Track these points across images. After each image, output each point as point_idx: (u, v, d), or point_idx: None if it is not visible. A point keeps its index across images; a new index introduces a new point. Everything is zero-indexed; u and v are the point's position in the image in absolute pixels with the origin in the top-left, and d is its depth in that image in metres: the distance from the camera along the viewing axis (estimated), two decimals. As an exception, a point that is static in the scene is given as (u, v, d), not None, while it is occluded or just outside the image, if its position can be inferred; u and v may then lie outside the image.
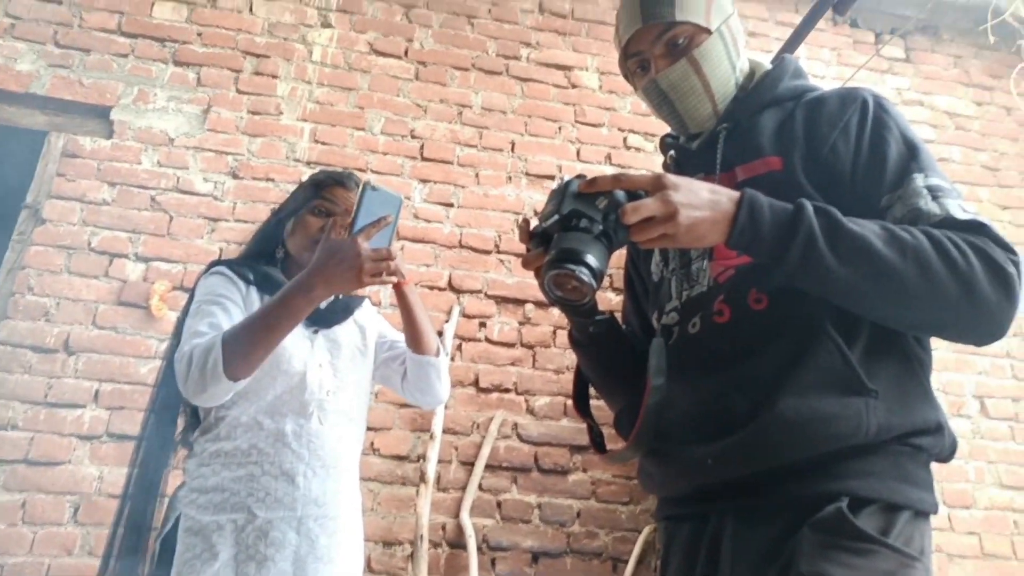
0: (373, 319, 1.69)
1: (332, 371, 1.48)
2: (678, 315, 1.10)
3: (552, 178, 3.31)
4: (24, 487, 2.44)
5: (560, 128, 3.41)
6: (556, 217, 0.93)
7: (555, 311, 3.11)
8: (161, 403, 1.50)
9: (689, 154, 1.19)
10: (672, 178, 0.91)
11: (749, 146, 1.10)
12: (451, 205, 3.18)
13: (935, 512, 0.95)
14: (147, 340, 2.72)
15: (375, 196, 1.28)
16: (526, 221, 0.99)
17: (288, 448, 1.38)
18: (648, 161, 3.41)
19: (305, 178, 3.01)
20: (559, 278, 0.91)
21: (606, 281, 3.13)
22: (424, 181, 3.19)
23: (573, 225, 0.92)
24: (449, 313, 2.99)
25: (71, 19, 3.10)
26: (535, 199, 3.27)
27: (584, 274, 0.89)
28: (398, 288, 1.51)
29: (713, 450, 0.98)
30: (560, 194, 0.95)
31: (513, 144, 3.34)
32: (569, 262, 0.89)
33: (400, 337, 1.64)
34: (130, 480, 1.48)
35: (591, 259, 0.89)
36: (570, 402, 2.97)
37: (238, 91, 3.15)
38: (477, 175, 3.26)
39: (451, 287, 3.07)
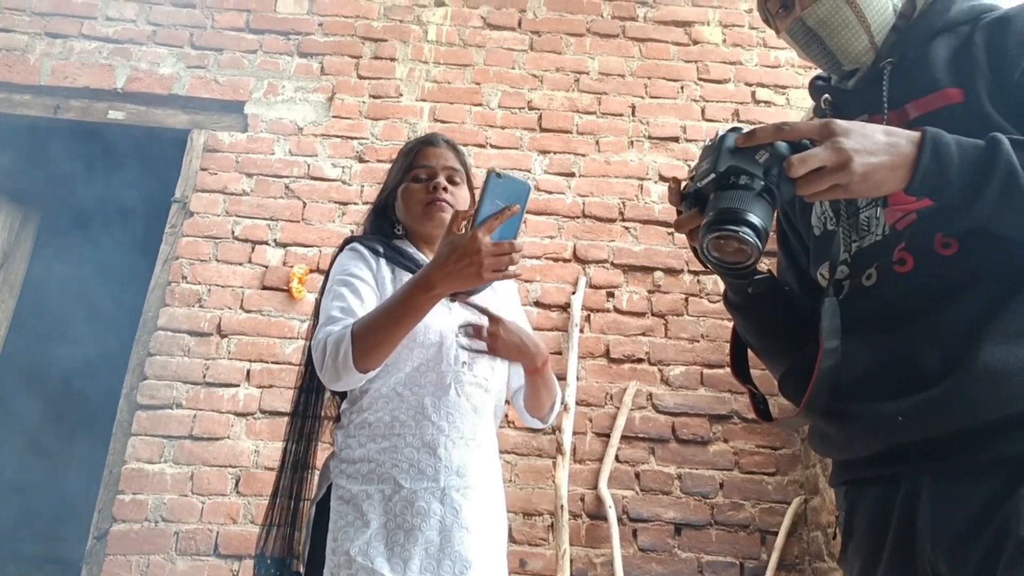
0: (511, 295, 1.68)
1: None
2: (848, 268, 1.02)
3: (676, 140, 3.19)
4: (191, 461, 2.62)
5: (682, 87, 3.27)
6: (712, 175, 0.87)
7: (686, 278, 3.01)
8: (308, 380, 1.55)
9: (847, 95, 1.10)
10: (842, 123, 0.84)
11: (921, 79, 1.00)
12: (572, 175, 3.13)
13: None
14: (289, 321, 2.85)
15: (500, 184, 1.23)
16: (676, 180, 0.94)
17: (428, 420, 1.40)
18: (780, 115, 3.21)
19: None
20: (720, 241, 0.86)
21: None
22: (544, 152, 3.15)
23: (732, 183, 0.86)
24: (575, 284, 2.95)
25: (204, 21, 3.27)
26: (659, 163, 3.16)
27: (748, 235, 0.83)
28: (531, 373, 1.50)
29: (904, 407, 0.89)
30: (715, 150, 0.89)
31: (633, 108, 3.24)
32: (730, 223, 0.84)
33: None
34: (286, 454, 1.55)
35: (754, 218, 0.83)
36: (707, 371, 2.87)
37: (359, 76, 3.23)
38: (597, 142, 3.18)
39: (576, 258, 3.03)
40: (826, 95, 1.13)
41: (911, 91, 1.00)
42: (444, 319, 1.46)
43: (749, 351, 1.14)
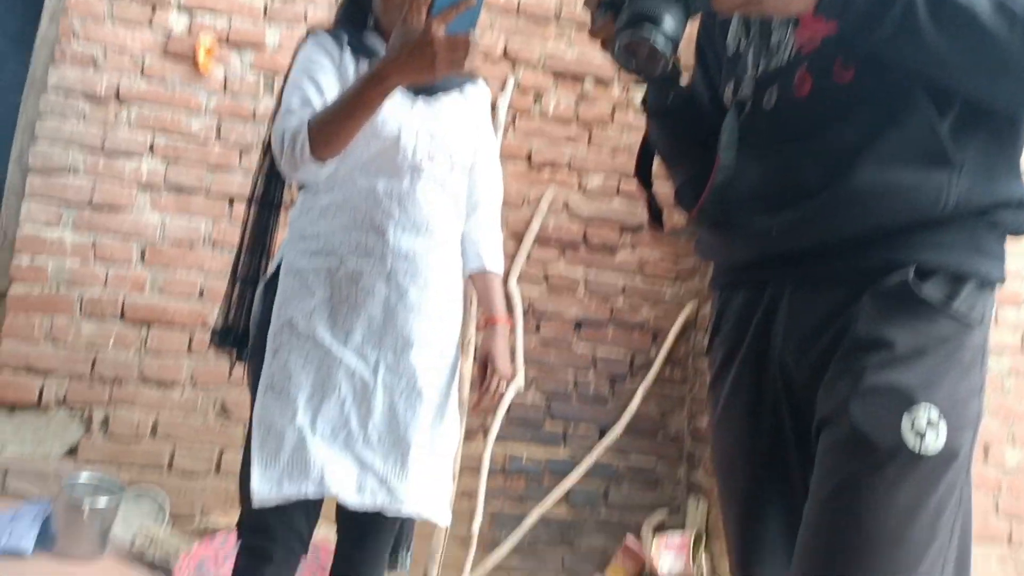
0: (483, 106, 1.64)
1: (429, 137, 1.46)
2: (753, 89, 1.03)
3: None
4: (92, 229, 2.54)
5: None
6: None
7: (615, 89, 2.98)
8: (268, 167, 1.56)
9: None
10: None
11: None
12: (509, -36, 2.93)
13: (1002, 282, 0.94)
14: (196, 94, 2.68)
15: None
16: None
17: (379, 204, 1.41)
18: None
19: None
20: (632, 44, 0.86)
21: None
22: (480, -66, 2.92)
23: None
24: (503, 84, 2.87)
25: None
26: (600, -40, 2.99)
27: (659, 37, 0.84)
28: (488, 324, 1.58)
29: (779, 220, 0.95)
30: None
31: None
32: (642, 24, 0.84)
33: (482, 174, 1.63)
34: (243, 238, 1.58)
35: (667, 22, 0.84)
36: (624, 182, 2.93)
37: None
38: (538, -69, 2.97)
39: (506, 56, 2.92)
40: None
41: None
42: (404, 113, 1.44)
43: (655, 159, 1.17)
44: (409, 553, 2.32)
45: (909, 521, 0.83)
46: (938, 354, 0.86)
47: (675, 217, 2.49)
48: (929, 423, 0.82)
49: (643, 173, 1.15)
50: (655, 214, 1.14)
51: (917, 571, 0.83)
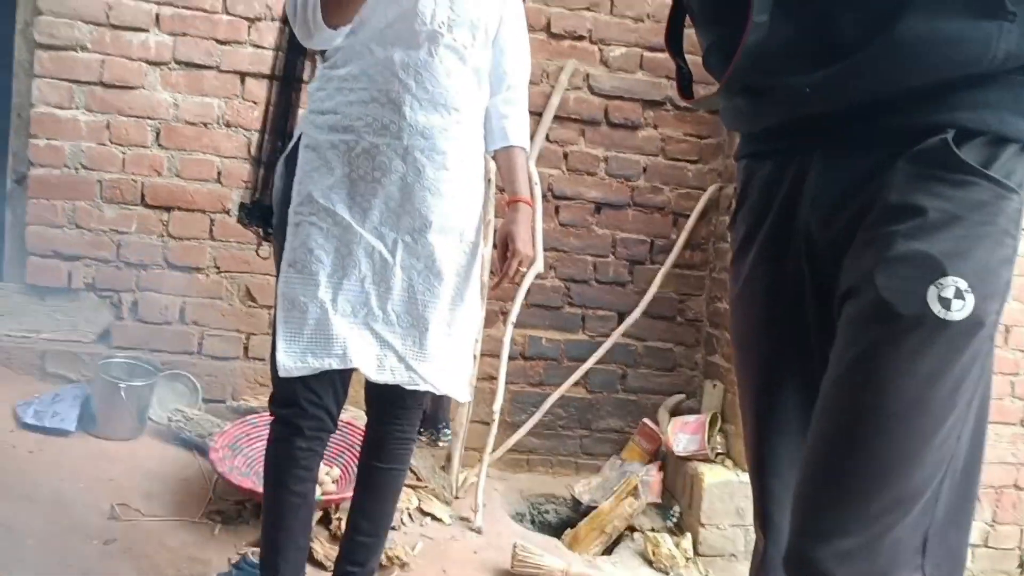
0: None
1: (449, 3, 1.39)
2: None
3: None
4: (105, 109, 2.49)
5: None
6: None
7: (641, -51, 2.76)
8: (288, 39, 1.53)
9: None
10: None
11: None
12: None
13: None
14: (200, -39, 2.53)
15: None
16: None
17: (395, 77, 1.37)
18: None
19: None
20: None
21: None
22: None
23: None
24: (523, -55, 2.67)
25: None
26: None
27: None
28: (511, 204, 1.56)
29: (813, 79, 0.89)
30: None
31: None
32: None
33: (507, 47, 1.57)
34: (266, 118, 1.58)
35: None
36: (648, 54, 2.79)
37: None
38: None
39: (526, -86, 2.70)
40: None
41: None
42: None
43: (686, 25, 1.09)
44: (448, 429, 2.45)
45: (930, 389, 0.82)
46: (972, 221, 0.83)
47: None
48: (956, 293, 0.80)
49: (674, 40, 1.09)
50: (685, 83, 1.08)
51: (934, 439, 0.83)
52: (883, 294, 0.82)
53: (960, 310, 0.80)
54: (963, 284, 0.80)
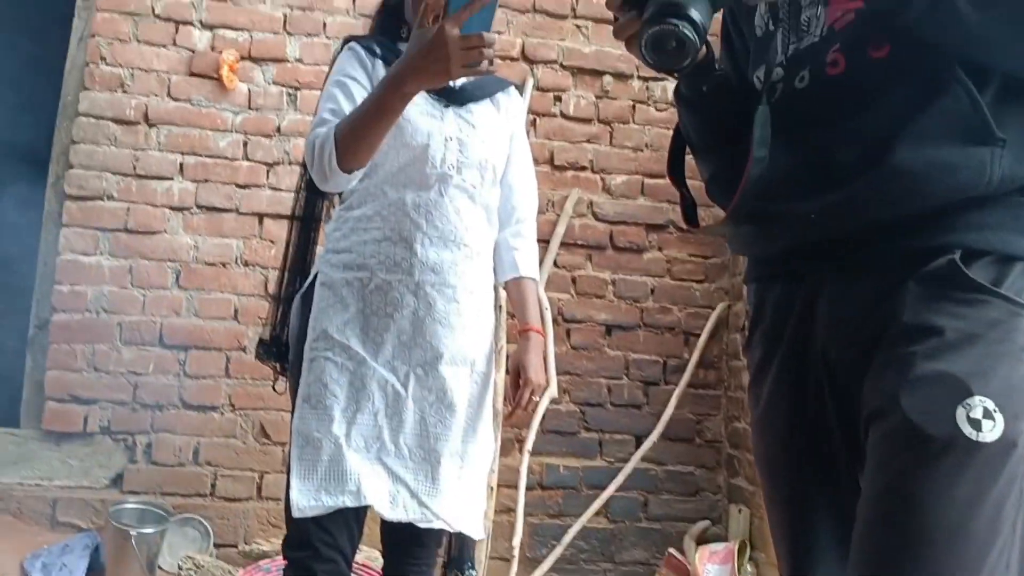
0: (516, 115, 1.64)
1: (458, 147, 1.47)
2: (783, 70, 1.00)
3: (640, -71, 2.94)
4: (128, 254, 2.59)
5: None
6: None
7: (635, 84, 2.93)
8: (307, 181, 1.59)
9: None
10: None
11: None
12: (526, -36, 2.89)
13: None
14: (222, 112, 2.70)
15: None
16: None
17: (407, 216, 1.43)
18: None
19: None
20: (658, 36, 0.84)
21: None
22: (497, -65, 2.88)
23: None
24: (523, 85, 2.85)
25: None
26: (620, -45, 2.93)
27: (687, 29, 0.82)
28: (523, 333, 1.58)
29: (817, 204, 0.92)
30: None
31: None
32: (670, 16, 0.82)
33: (516, 184, 1.62)
34: (287, 256, 1.63)
35: (695, 13, 0.82)
36: (648, 180, 2.90)
37: None
38: (555, -73, 2.91)
39: (524, 57, 2.90)
40: None
41: None
42: (433, 122, 1.45)
43: (687, 155, 1.14)
44: (474, 569, 2.37)
45: (970, 514, 0.79)
46: (989, 339, 0.82)
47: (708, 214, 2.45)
48: (985, 414, 0.79)
49: (676, 171, 1.13)
50: (689, 212, 1.11)
51: (982, 568, 0.79)
52: (910, 416, 0.81)
53: (991, 431, 0.79)
54: (991, 404, 0.79)
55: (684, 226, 1.14)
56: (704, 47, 0.85)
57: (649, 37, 0.84)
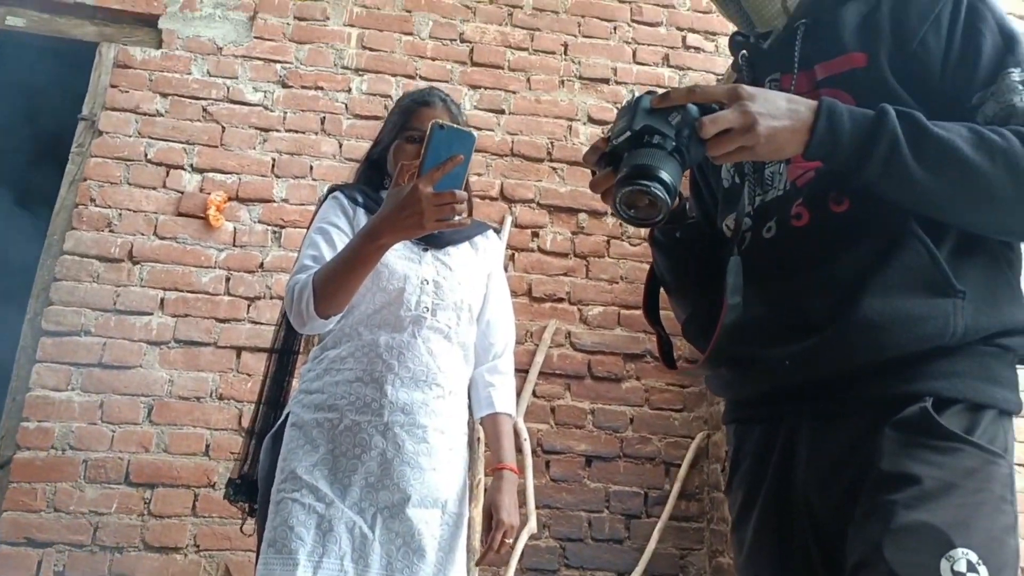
0: (494, 256, 1.70)
1: (435, 289, 1.51)
2: (751, 220, 1.07)
3: (607, 82, 3.19)
4: (100, 389, 2.56)
5: (615, 28, 3.26)
6: (628, 133, 0.90)
7: (609, 221, 3.07)
8: (286, 320, 1.63)
9: (762, 53, 1.14)
10: (748, 88, 0.88)
11: (830, 42, 1.04)
12: (502, 112, 3.10)
13: (1019, 412, 0.93)
14: (207, 250, 2.77)
15: (444, 135, 1.25)
16: (603, 141, 0.96)
17: (379, 358, 1.45)
18: (708, 62, 3.25)
19: (354, 87, 2.96)
20: (631, 196, 0.89)
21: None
22: (474, 87, 3.11)
23: (645, 141, 0.89)
24: (502, 223, 2.97)
25: (113, -77, 3.03)
26: (588, 104, 3.16)
27: (658, 189, 0.86)
28: (496, 471, 1.59)
29: (790, 352, 0.96)
30: (631, 111, 0.92)
31: (566, 46, 3.21)
32: (642, 178, 0.87)
33: (493, 321, 1.67)
34: (263, 390, 1.64)
35: (665, 175, 0.87)
36: (624, 311, 2.96)
37: (283, -4, 3.08)
38: (528, 80, 3.16)
39: (503, 196, 3.03)
40: (744, 51, 1.17)
41: (821, 53, 1.04)
42: (411, 265, 1.51)
43: (661, 296, 1.18)
44: None
45: None
46: (967, 489, 0.83)
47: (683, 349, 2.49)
48: (969, 567, 0.79)
49: (652, 311, 1.16)
50: (666, 352, 1.14)
51: None
52: (894, 568, 0.81)
53: None
54: (973, 556, 0.80)
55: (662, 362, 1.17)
56: (676, 201, 0.90)
57: (622, 196, 0.89)
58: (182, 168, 2.85)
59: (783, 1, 1.07)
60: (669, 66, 3.24)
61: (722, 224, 1.13)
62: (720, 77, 3.18)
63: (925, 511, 0.82)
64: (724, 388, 1.12)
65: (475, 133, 1.30)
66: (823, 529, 0.94)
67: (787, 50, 1.07)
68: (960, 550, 0.80)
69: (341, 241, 1.48)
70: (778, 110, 0.88)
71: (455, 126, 1.28)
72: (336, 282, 1.36)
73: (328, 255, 1.45)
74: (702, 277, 1.11)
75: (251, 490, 1.56)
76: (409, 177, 1.31)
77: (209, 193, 2.81)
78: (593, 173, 0.97)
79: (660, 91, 0.93)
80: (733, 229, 1.07)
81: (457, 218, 1.29)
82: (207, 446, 2.57)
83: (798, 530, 0.97)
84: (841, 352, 0.92)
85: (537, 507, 2.59)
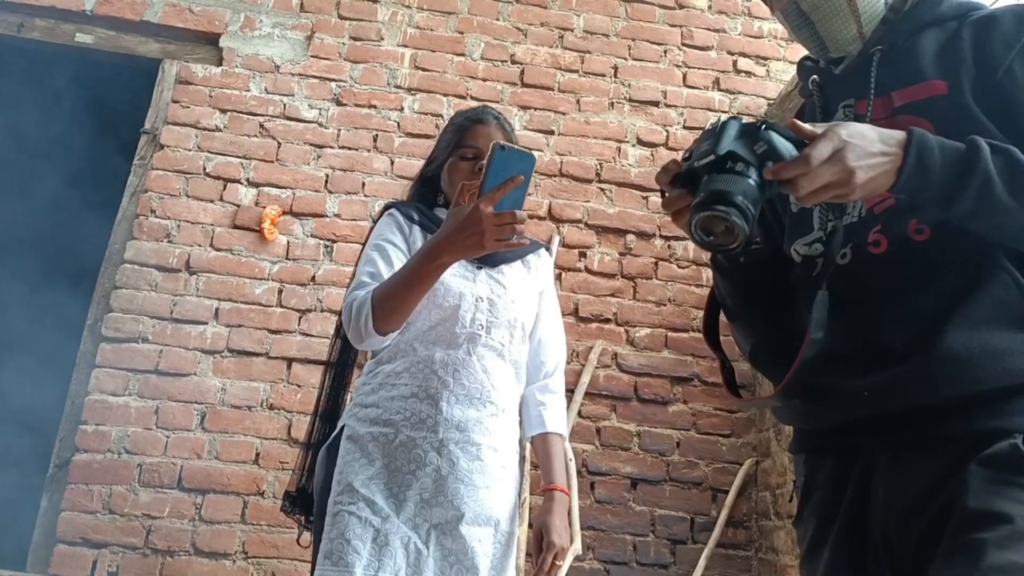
0: (546, 274, 1.71)
1: (489, 307, 1.52)
2: (822, 246, 1.05)
3: (656, 104, 3.21)
4: (156, 395, 2.61)
5: (665, 51, 3.28)
6: (711, 157, 0.89)
7: (657, 242, 3.06)
8: (343, 333, 1.64)
9: (834, 78, 1.12)
10: (843, 134, 0.86)
11: (907, 69, 1.03)
12: (551, 132, 3.13)
13: None
14: (260, 262, 2.83)
15: (504, 156, 1.26)
16: (675, 162, 0.95)
17: (434, 374, 1.46)
18: (759, 86, 3.25)
19: (406, 105, 3.01)
20: (708, 221, 0.87)
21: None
22: (524, 108, 3.14)
23: (728, 167, 0.88)
24: (549, 243, 2.98)
25: (181, -54, 3.15)
26: (638, 126, 3.17)
27: (737, 217, 0.85)
28: (547, 491, 1.60)
29: (869, 383, 0.94)
30: (716, 134, 0.91)
31: (616, 68, 3.24)
32: (720, 204, 0.86)
33: (545, 339, 1.67)
34: (319, 402, 1.66)
35: (745, 204, 0.86)
36: (672, 334, 2.94)
37: (340, 16, 3.16)
38: (578, 101, 3.18)
39: (551, 216, 3.05)
40: (814, 76, 1.16)
41: (898, 79, 1.03)
42: (466, 284, 1.52)
43: (721, 320, 1.17)
44: None
45: None
46: None
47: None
48: None
49: (712, 335, 1.15)
50: (729, 379, 1.12)
51: None
52: None
53: None
54: None
55: (710, 379, 1.15)
56: (752, 230, 0.89)
57: (699, 220, 0.88)
58: (239, 182, 2.92)
59: (859, 27, 1.06)
60: (719, 90, 3.25)
61: (790, 249, 1.11)
62: (771, 102, 3.17)
63: (1016, 551, 0.80)
64: (795, 417, 1.10)
65: (535, 155, 1.31)
66: (902, 564, 0.91)
67: (862, 76, 1.06)
68: None
69: (397, 258, 1.50)
70: (873, 157, 0.86)
71: (516, 147, 1.29)
72: (395, 300, 1.38)
73: (385, 272, 1.47)
74: (764, 302, 1.10)
75: (307, 502, 1.57)
76: (470, 197, 1.33)
77: (264, 207, 2.87)
78: (663, 193, 0.96)
79: (747, 118, 0.92)
80: (799, 254, 1.05)
81: (516, 238, 1.30)
82: (257, 455, 2.60)
83: (873, 567, 0.94)
84: (924, 385, 0.90)
85: (581, 528, 2.57)
